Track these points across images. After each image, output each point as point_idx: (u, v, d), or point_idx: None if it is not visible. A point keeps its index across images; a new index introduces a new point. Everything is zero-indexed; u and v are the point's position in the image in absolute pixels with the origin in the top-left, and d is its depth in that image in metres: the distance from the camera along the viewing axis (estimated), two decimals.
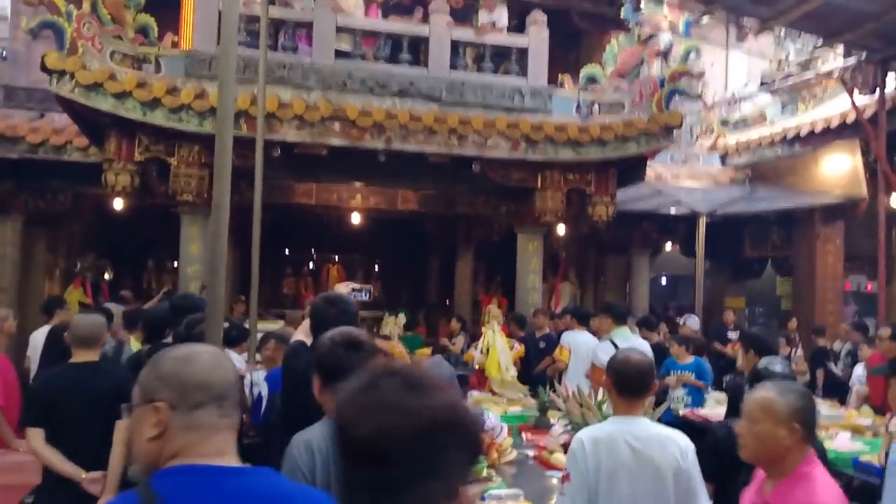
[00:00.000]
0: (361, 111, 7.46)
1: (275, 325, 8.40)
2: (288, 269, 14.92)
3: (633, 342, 5.94)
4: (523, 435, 4.58)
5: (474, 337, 11.40)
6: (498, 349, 6.71)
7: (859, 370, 7.35)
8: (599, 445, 2.37)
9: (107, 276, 11.11)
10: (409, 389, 1.13)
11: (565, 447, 3.87)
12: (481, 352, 6.92)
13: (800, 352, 8.39)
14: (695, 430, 5.98)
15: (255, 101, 6.58)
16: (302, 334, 3.15)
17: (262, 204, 6.80)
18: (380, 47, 8.08)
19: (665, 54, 8.12)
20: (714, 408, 5.96)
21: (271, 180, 9.63)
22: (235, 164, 2.94)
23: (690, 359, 6.36)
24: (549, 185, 7.99)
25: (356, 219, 11.09)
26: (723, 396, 6.09)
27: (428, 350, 8.53)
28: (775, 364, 3.50)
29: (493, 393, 6.18)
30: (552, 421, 4.83)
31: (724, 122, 10.94)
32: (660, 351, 7.13)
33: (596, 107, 8.17)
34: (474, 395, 6.01)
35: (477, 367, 7.20)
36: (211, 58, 7.26)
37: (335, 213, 11.49)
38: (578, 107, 8.16)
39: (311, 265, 14.99)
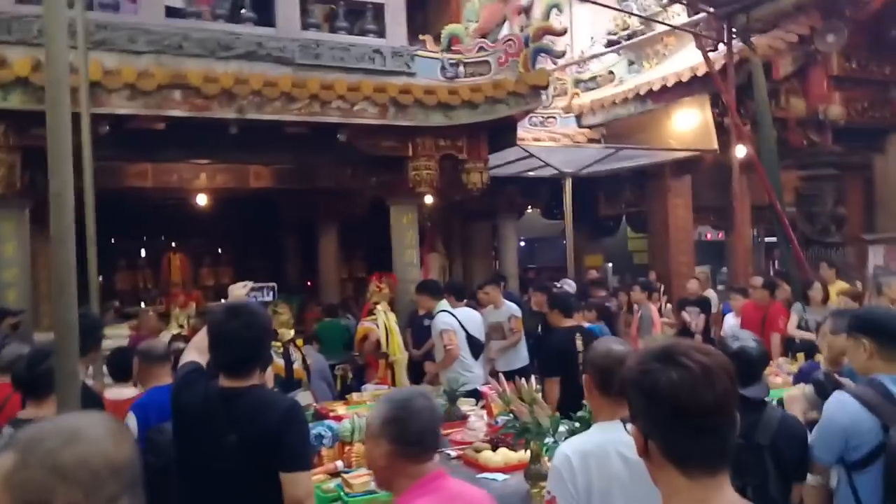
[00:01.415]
0: (206, 77, 6.51)
1: (122, 330, 7.31)
2: (121, 261, 13.36)
3: (466, 313, 6.06)
4: None
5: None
6: (395, 331, 6.24)
7: (731, 320, 7.62)
8: (589, 460, 1.98)
9: None
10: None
11: (494, 444, 3.50)
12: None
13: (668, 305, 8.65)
14: None
15: (72, 68, 5.44)
16: (195, 352, 2.48)
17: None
18: (218, 4, 7.09)
19: (526, 11, 7.88)
20: None
21: (97, 163, 8.33)
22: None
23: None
24: (421, 152, 7.52)
25: (202, 200, 9.98)
26: None
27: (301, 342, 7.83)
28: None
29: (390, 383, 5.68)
30: (463, 409, 4.46)
31: (578, 82, 11.03)
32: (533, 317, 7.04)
33: (461, 68, 7.78)
34: (369, 388, 5.47)
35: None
36: (10, 18, 5.97)
37: (176, 195, 10.27)
38: (443, 68, 7.72)
39: (143, 254, 13.48)
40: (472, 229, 11.93)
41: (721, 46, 8.34)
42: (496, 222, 11.77)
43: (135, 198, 10.54)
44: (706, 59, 7.76)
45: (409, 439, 1.81)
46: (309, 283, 12.63)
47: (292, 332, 5.70)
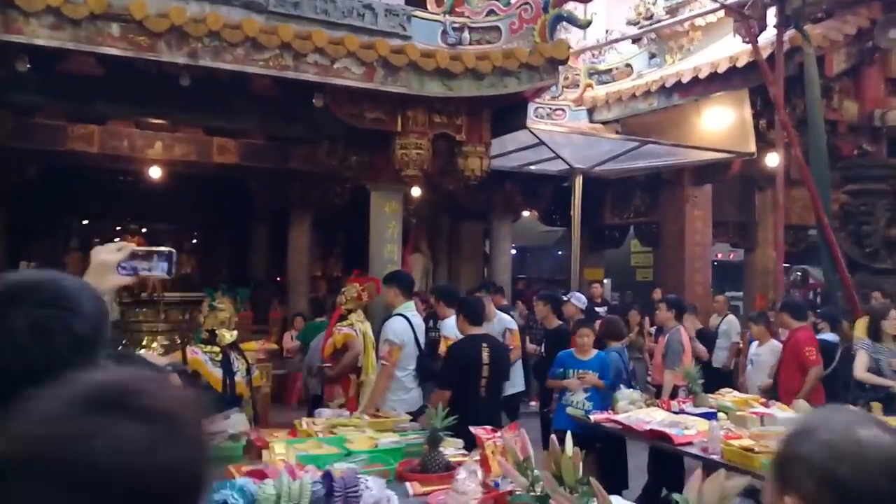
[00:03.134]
0: (155, 12, 5.26)
1: None
2: (73, 241, 12.03)
3: (418, 317, 5.08)
4: (408, 486, 2.91)
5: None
6: (372, 346, 5.02)
7: (754, 349, 6.53)
8: None
9: None
10: None
11: None
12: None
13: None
14: (611, 438, 4.71)
15: None
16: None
17: (21, 150, 4.53)
18: None
19: None
20: (628, 408, 4.67)
21: (23, 115, 7.06)
22: None
23: (592, 353, 4.98)
24: (412, 128, 6.30)
25: (156, 173, 8.70)
26: (637, 395, 4.85)
27: (255, 345, 6.58)
28: None
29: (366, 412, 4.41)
30: (444, 452, 3.22)
31: (591, 73, 9.89)
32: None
33: (466, 33, 6.57)
34: (325, 414, 4.20)
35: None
36: None
37: (128, 166, 8.97)
38: (445, 33, 6.51)
39: (97, 237, 12.11)
40: (461, 229, 10.74)
41: (761, 36, 7.22)
42: (489, 223, 10.56)
43: (85, 170, 9.28)
44: (753, 43, 6.63)
45: None
46: (279, 279, 11.37)
47: (234, 333, 4.43)
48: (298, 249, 10.13)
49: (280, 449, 3.21)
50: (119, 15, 5.16)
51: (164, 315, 10.52)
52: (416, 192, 9.59)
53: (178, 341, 6.62)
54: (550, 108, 9.77)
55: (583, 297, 6.89)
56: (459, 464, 3.02)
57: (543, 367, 5.34)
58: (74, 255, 11.62)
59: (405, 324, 4.72)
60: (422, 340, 4.85)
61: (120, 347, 7.90)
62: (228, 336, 4.36)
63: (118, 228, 12.17)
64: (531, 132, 7.09)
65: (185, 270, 11.93)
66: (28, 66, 5.10)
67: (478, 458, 3.01)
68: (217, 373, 4.22)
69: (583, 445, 2.43)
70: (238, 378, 4.32)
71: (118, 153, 8.00)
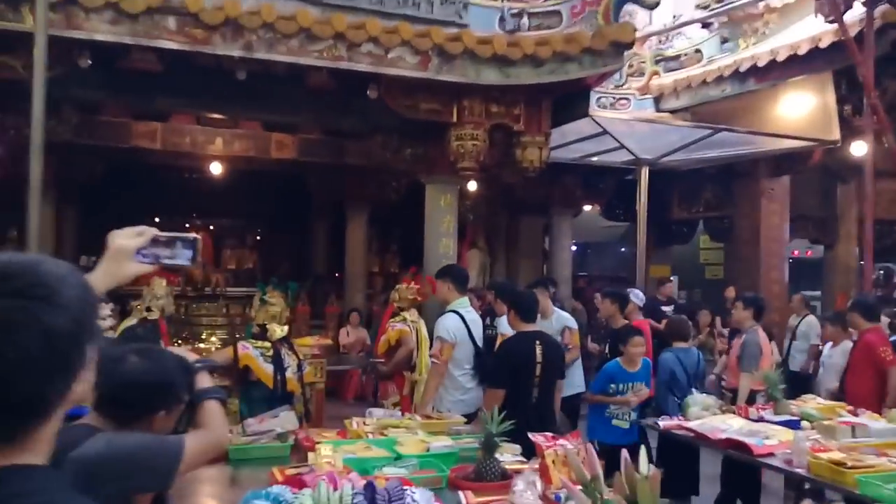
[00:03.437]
0: (211, 5, 5.23)
1: None
2: None
3: (473, 313, 4.74)
4: (460, 495, 2.71)
5: (369, 322, 9.50)
6: (427, 343, 4.86)
7: (826, 351, 6.06)
8: None
9: None
10: None
11: None
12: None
13: None
14: (679, 444, 4.39)
15: None
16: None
17: (87, 147, 4.55)
18: None
19: None
20: (700, 415, 4.34)
21: (88, 112, 7.18)
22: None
23: (640, 364, 4.58)
24: (469, 118, 6.10)
25: (217, 169, 8.77)
26: (711, 401, 4.50)
27: (310, 340, 6.51)
28: None
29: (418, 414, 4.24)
30: (501, 458, 3.00)
31: (658, 60, 9.44)
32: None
33: (524, 19, 6.32)
34: (376, 414, 4.03)
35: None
36: None
37: (190, 162, 9.08)
38: (502, 19, 6.28)
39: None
40: (520, 225, 10.45)
41: (846, 15, 6.66)
42: (549, 218, 10.24)
43: (151, 168, 9.49)
44: (839, 20, 6.12)
45: None
46: (337, 275, 11.36)
47: (285, 327, 4.32)
48: (355, 244, 10.08)
49: (327, 451, 3.05)
50: (175, 8, 5.16)
51: (226, 309, 10.71)
52: (472, 186, 9.39)
53: (237, 336, 6.61)
54: (614, 98, 9.38)
55: (641, 294, 6.56)
56: (517, 472, 2.81)
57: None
58: None
59: (458, 320, 4.51)
60: (478, 338, 4.64)
61: (178, 342, 8.02)
62: (279, 331, 4.25)
63: (187, 225, 12.45)
64: (594, 121, 6.77)
65: (248, 265, 12.09)
66: (89, 61, 5.14)
67: (537, 466, 2.78)
68: (268, 368, 4.12)
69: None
70: (289, 374, 4.21)
71: (180, 150, 8.10)
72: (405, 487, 2.12)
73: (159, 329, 4.96)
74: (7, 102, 5.62)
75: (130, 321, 5.01)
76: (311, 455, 3.09)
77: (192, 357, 1.86)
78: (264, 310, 4.29)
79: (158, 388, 1.64)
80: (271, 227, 12.46)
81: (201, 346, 7.44)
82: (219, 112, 6.53)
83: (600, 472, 1.66)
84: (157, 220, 12.31)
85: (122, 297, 6.57)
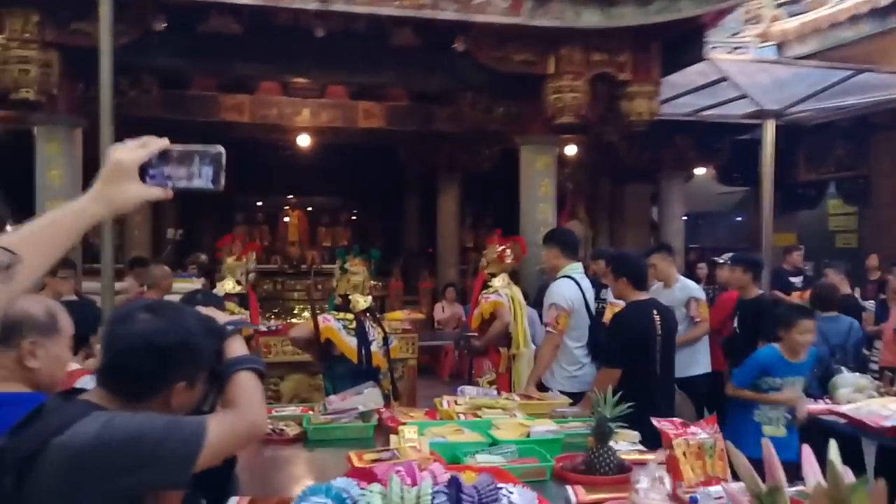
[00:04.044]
0: None
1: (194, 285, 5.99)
2: (238, 215, 12.52)
3: (587, 280, 4.10)
4: (569, 491, 2.22)
5: (464, 298, 9.11)
6: (523, 314, 4.38)
7: None
8: None
9: None
10: None
11: None
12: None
13: None
14: (827, 433, 3.68)
15: None
16: None
17: (176, 123, 4.34)
18: None
19: None
20: (853, 397, 3.62)
21: (173, 86, 7.09)
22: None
23: (805, 354, 3.56)
24: (567, 68, 5.51)
25: (304, 141, 8.59)
26: (865, 381, 3.76)
27: (400, 314, 6.18)
28: None
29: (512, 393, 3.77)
30: (618, 449, 2.49)
31: (779, 3, 8.42)
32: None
33: None
34: (468, 392, 3.58)
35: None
36: None
37: (279, 136, 8.95)
38: None
39: (257, 212, 12.51)
40: (624, 193, 9.71)
41: None
42: (657, 185, 9.43)
43: (245, 144, 9.47)
44: None
45: None
46: (430, 251, 11.06)
47: (369, 298, 3.93)
48: (447, 217, 9.68)
49: (410, 433, 2.64)
50: None
51: (320, 286, 10.68)
52: (571, 151, 8.75)
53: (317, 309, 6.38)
54: (731, 47, 8.48)
55: (843, 275, 5.73)
56: (637, 464, 2.29)
57: (736, 346, 4.36)
58: (240, 229, 12.10)
59: (574, 287, 3.98)
60: (593, 307, 4.10)
61: (271, 316, 7.94)
62: (363, 301, 3.87)
63: (286, 207, 12.54)
64: (713, 64, 5.98)
65: (343, 243, 12.00)
66: (164, 24, 4.95)
67: (663, 459, 2.25)
68: (351, 342, 3.75)
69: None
70: (374, 348, 3.83)
71: (267, 121, 7.95)
72: (500, 486, 1.66)
73: (250, 302, 4.74)
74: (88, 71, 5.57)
75: (224, 288, 4.78)
76: (393, 438, 2.70)
77: (222, 317, 1.46)
78: (345, 279, 3.93)
79: (175, 352, 1.25)
80: (364, 204, 12.33)
81: (293, 320, 7.30)
82: (300, 76, 6.25)
83: (783, 478, 1.13)
84: (258, 203, 12.61)
85: (211, 272, 6.47)
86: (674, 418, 2.39)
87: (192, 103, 7.47)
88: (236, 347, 1.40)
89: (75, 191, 5.40)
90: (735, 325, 4.53)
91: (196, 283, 6.40)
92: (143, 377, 1.25)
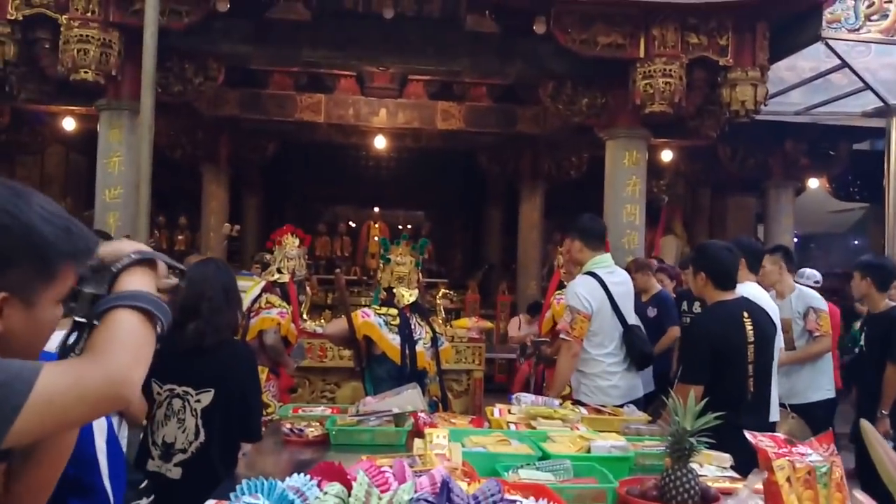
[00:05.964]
0: None
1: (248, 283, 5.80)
2: (321, 225, 12.51)
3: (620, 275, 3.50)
4: None
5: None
6: None
7: None
8: None
9: None
10: None
11: None
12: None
13: None
14: None
15: None
16: None
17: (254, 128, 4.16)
18: None
19: None
20: None
21: (243, 85, 6.98)
22: None
23: None
24: (660, 50, 4.94)
25: (381, 143, 8.34)
26: None
27: (467, 322, 5.72)
28: None
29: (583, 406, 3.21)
30: (701, 473, 1.91)
31: None
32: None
33: None
34: (525, 400, 3.04)
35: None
36: None
37: (356, 140, 8.77)
38: None
39: (337, 222, 12.42)
40: (727, 205, 8.87)
41: None
42: (763, 196, 8.53)
43: (326, 153, 9.43)
44: None
45: None
46: (513, 266, 10.59)
47: (415, 292, 3.47)
48: (529, 227, 9.16)
49: (440, 438, 2.16)
50: None
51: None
52: (666, 157, 8.05)
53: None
54: (847, 45, 7.55)
55: (817, 275, 5.02)
56: (726, 493, 1.72)
57: (863, 368, 3.59)
58: (322, 239, 12.07)
59: (595, 285, 3.35)
60: (627, 307, 3.43)
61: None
62: (408, 295, 3.42)
63: (370, 221, 12.47)
64: (828, 47, 5.24)
65: (423, 257, 11.75)
66: (228, 4, 4.78)
67: (759, 486, 1.67)
68: (393, 340, 3.30)
69: None
70: (420, 348, 3.37)
71: (344, 122, 7.76)
72: (513, 498, 1.16)
73: (288, 292, 4.41)
74: None
75: (270, 276, 4.51)
76: (417, 442, 2.23)
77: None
78: (389, 270, 3.50)
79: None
80: (443, 216, 12.04)
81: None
82: (369, 63, 5.95)
83: None
84: (340, 213, 12.62)
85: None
86: (776, 433, 1.80)
87: (269, 102, 7.39)
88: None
89: (134, 175, 5.31)
90: (862, 342, 3.76)
91: (258, 282, 6.23)
92: None
